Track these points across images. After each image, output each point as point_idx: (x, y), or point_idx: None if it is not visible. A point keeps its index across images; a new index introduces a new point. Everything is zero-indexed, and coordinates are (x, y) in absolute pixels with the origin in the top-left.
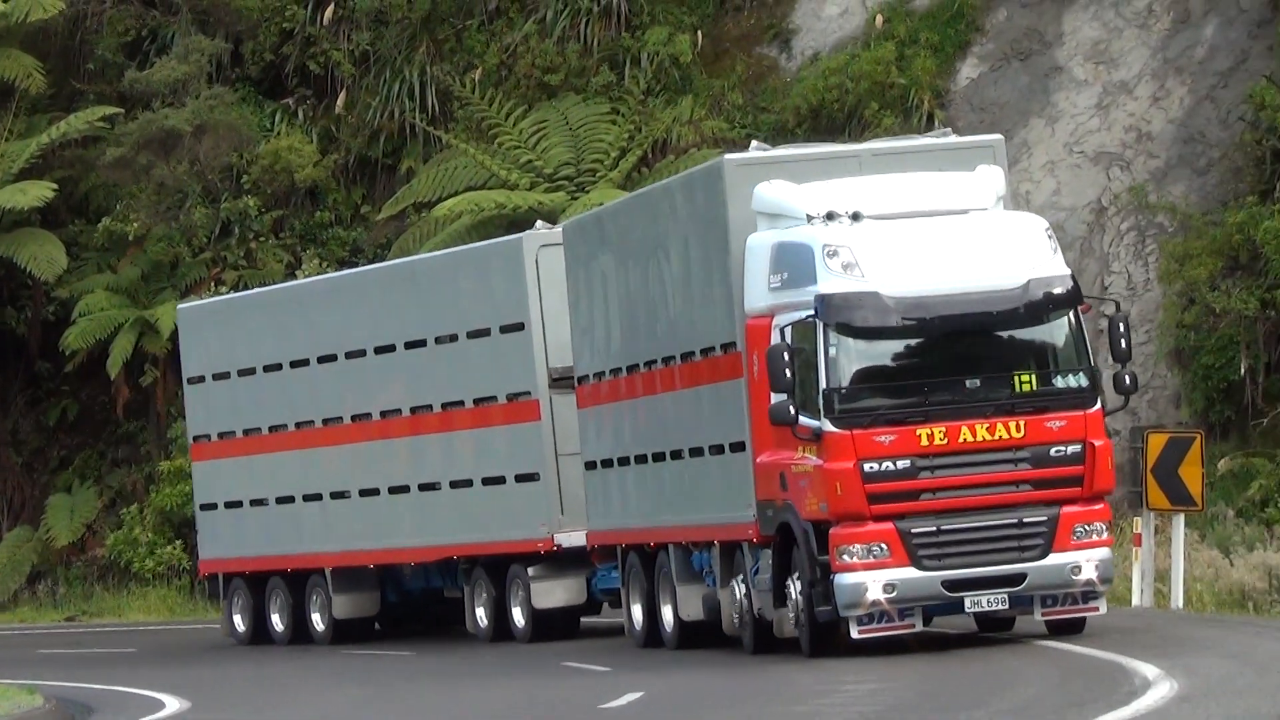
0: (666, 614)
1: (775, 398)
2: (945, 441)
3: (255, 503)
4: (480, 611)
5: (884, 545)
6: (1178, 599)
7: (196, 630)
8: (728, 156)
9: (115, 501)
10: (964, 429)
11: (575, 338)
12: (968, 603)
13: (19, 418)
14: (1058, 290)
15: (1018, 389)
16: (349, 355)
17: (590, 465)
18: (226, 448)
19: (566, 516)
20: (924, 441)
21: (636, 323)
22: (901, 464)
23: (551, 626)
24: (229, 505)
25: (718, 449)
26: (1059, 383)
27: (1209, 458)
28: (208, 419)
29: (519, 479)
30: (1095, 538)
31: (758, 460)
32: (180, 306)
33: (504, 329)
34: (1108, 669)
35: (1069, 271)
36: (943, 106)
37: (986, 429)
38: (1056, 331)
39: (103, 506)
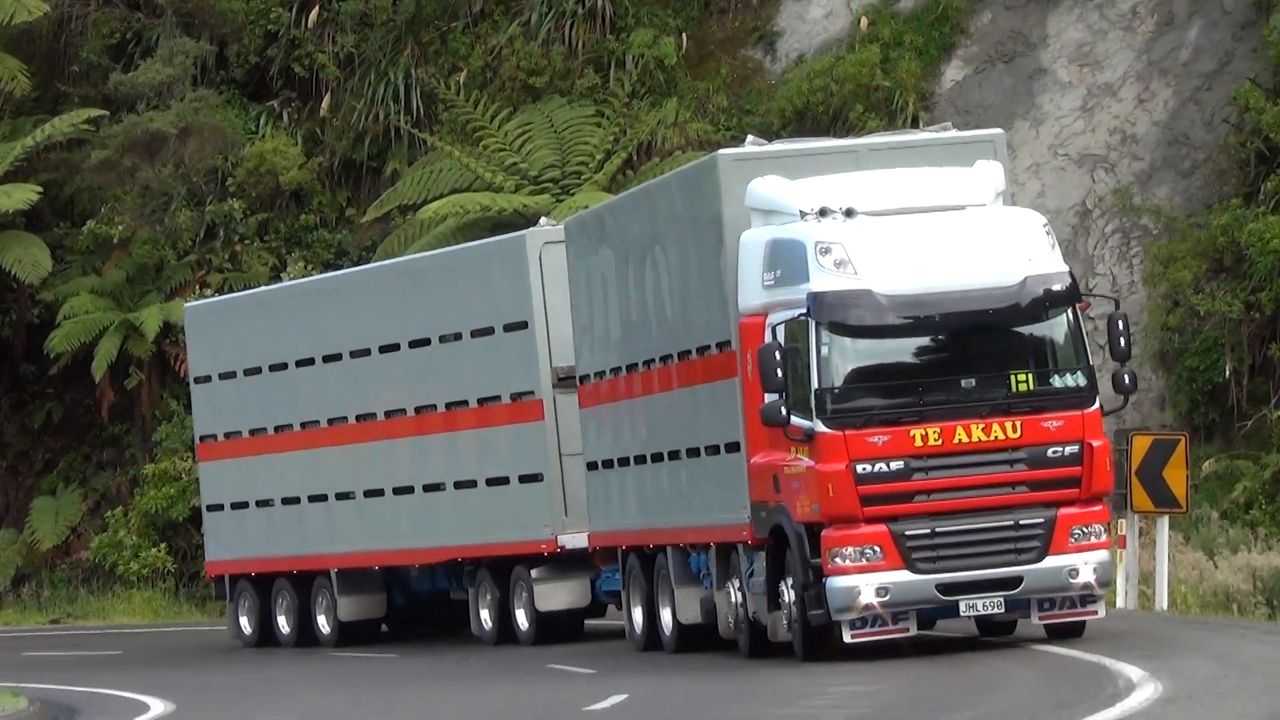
0: (665, 617)
1: (767, 398)
2: (940, 442)
3: (261, 503)
4: (484, 614)
5: (877, 548)
6: (1162, 601)
7: (181, 633)
8: (722, 152)
9: (100, 504)
10: (959, 429)
11: (576, 336)
12: (963, 606)
13: (3, 421)
14: (1055, 287)
15: (1014, 388)
16: (354, 354)
17: (592, 466)
18: (232, 448)
19: (570, 518)
20: (918, 442)
21: (636, 321)
22: (895, 465)
23: (555, 629)
24: (235, 506)
25: (713, 449)
26: (1056, 382)
27: (1193, 460)
28: (214, 419)
29: (523, 479)
30: (1093, 540)
31: (752, 461)
32: (186, 305)
33: (507, 328)
34: (1093, 671)
35: (1067, 268)
36: (927, 109)
37: (982, 429)
38: (1054, 329)
39: (87, 509)
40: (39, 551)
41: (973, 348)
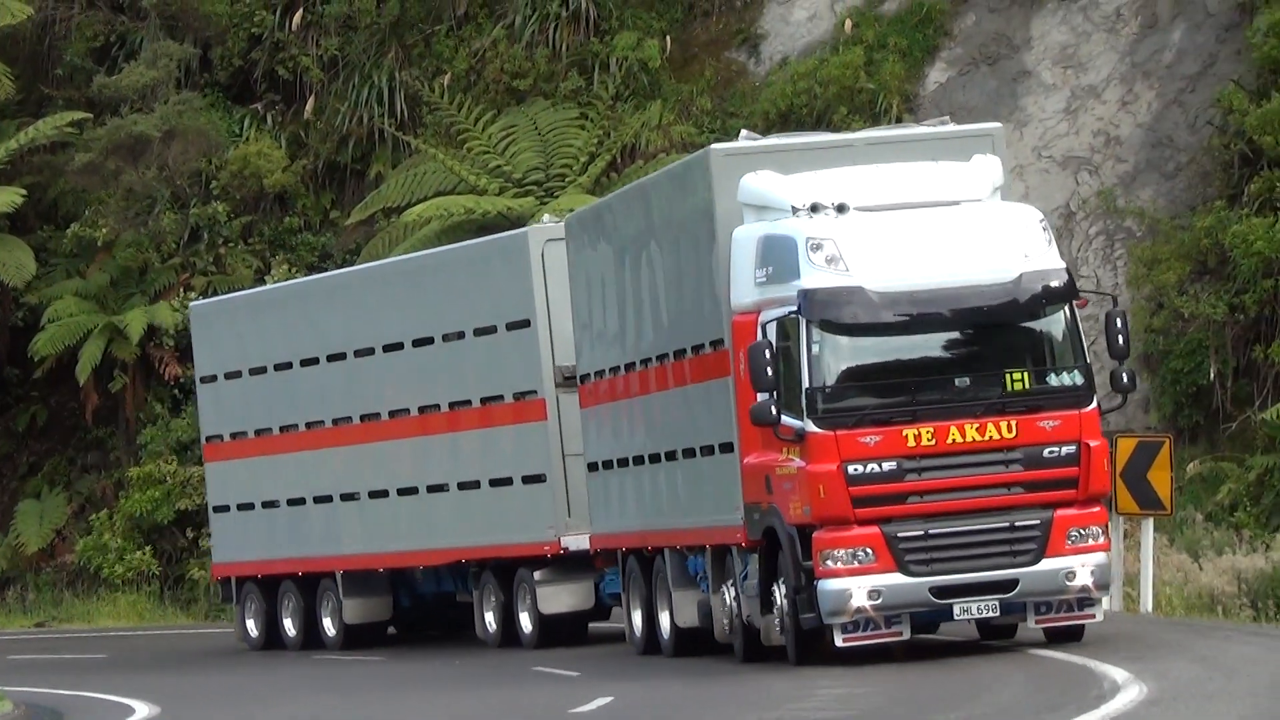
0: (664, 620)
1: (758, 397)
2: (933, 442)
3: (267, 505)
4: (489, 617)
5: (869, 550)
6: (1147, 603)
7: (166, 636)
8: (714, 146)
9: (85, 507)
10: (953, 429)
11: (577, 334)
12: (957, 610)
13: None
14: (1052, 284)
15: (1009, 387)
16: (358, 354)
17: (592, 467)
18: (239, 448)
19: (574, 519)
20: (911, 442)
21: (633, 319)
22: (887, 466)
23: (559, 632)
24: (241, 507)
25: (708, 450)
26: (1053, 381)
27: (1178, 462)
28: (220, 419)
29: (525, 480)
30: (1091, 542)
31: (745, 462)
32: (192, 304)
33: (510, 326)
34: (1078, 673)
35: (1064, 264)
36: (911, 111)
37: (976, 429)
38: (1051, 327)
39: (72, 512)
40: (24, 555)
41: (967, 346)
